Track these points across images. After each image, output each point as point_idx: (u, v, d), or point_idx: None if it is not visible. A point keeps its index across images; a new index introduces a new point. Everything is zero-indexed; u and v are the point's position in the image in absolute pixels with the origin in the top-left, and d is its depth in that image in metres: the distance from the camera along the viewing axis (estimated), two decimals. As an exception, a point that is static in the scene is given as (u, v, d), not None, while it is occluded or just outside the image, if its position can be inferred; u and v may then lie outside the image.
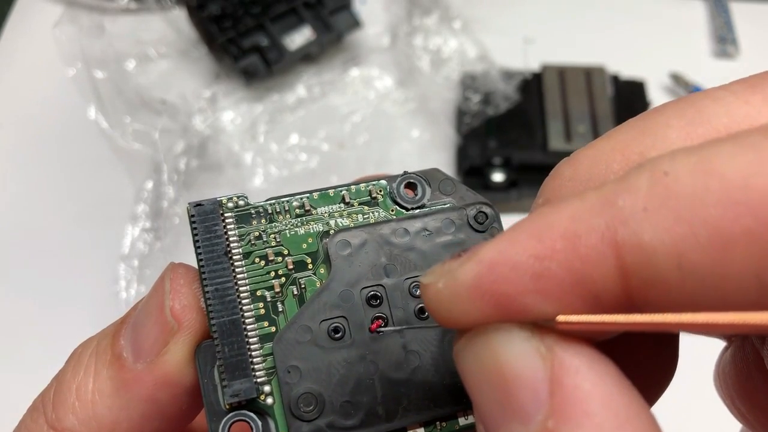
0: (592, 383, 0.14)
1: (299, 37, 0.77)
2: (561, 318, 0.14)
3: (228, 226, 0.21)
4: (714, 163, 0.13)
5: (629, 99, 0.75)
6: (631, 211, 0.14)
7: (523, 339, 0.15)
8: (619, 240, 0.14)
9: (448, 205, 0.23)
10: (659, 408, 0.15)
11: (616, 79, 0.76)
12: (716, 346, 0.24)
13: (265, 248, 0.21)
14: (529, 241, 0.14)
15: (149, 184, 0.69)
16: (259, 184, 0.72)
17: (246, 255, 0.21)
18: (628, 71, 0.77)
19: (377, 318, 0.21)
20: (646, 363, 0.20)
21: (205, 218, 0.21)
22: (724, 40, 0.83)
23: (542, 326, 0.15)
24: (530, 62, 0.79)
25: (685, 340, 0.21)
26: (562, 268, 0.14)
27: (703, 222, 0.13)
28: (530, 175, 0.70)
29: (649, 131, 0.17)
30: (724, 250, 0.13)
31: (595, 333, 0.15)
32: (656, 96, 0.77)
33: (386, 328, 0.21)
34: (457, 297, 0.15)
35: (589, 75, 0.76)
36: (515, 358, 0.15)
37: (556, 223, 0.14)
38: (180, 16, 0.80)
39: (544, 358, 0.14)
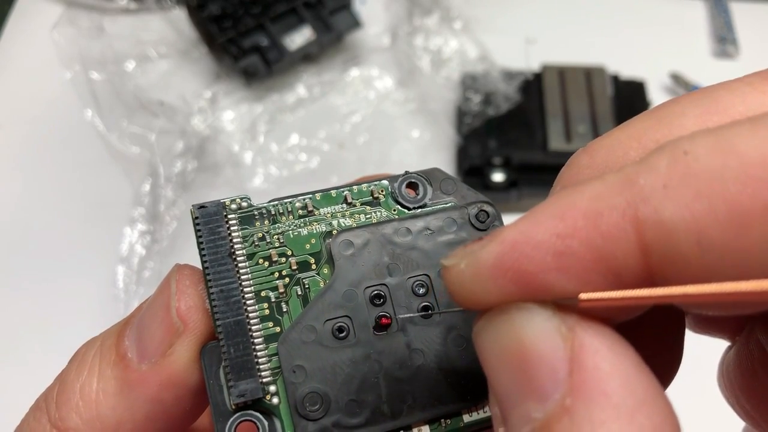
0: (612, 364, 0.14)
1: (299, 37, 0.77)
2: (583, 296, 0.14)
3: (231, 228, 0.21)
4: (732, 141, 0.13)
5: (629, 99, 0.75)
6: (652, 189, 0.14)
7: (544, 318, 0.15)
8: (640, 217, 0.14)
9: (450, 204, 0.23)
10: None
11: (616, 79, 0.77)
12: (719, 346, 0.24)
13: (268, 249, 0.21)
14: (551, 221, 0.15)
15: (146, 187, 0.69)
16: (259, 185, 0.72)
17: (250, 256, 0.21)
18: (628, 71, 0.77)
19: (383, 317, 0.21)
20: (650, 358, 0.20)
21: (209, 220, 0.21)
22: (724, 40, 0.83)
23: (563, 306, 0.15)
24: (531, 62, 0.79)
25: (689, 343, 0.21)
26: (584, 246, 0.14)
27: (722, 198, 0.13)
28: (530, 175, 0.70)
29: (665, 120, 0.17)
30: (743, 226, 0.13)
31: (617, 311, 0.15)
32: (656, 96, 0.77)
33: (402, 316, 0.21)
34: (479, 276, 0.15)
35: (589, 75, 0.76)
36: (536, 337, 0.15)
37: (577, 203, 0.15)
38: (180, 16, 0.80)
39: (565, 337, 0.15)
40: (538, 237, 0.15)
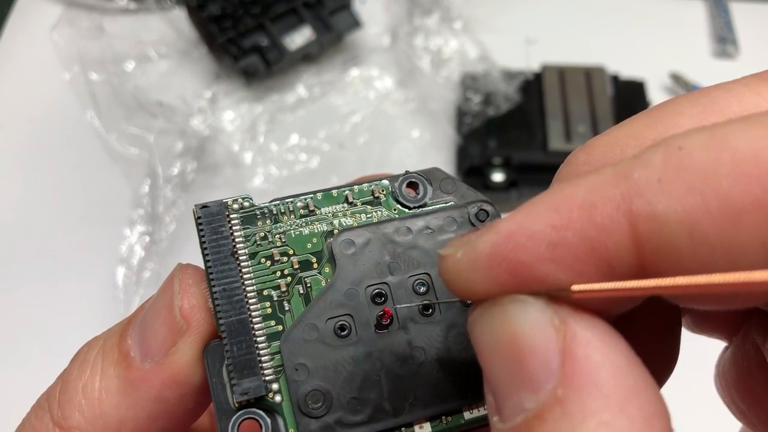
0: (603, 355, 0.14)
1: (299, 37, 0.77)
2: (576, 287, 0.15)
3: (234, 227, 0.21)
4: (726, 138, 0.14)
5: (629, 99, 0.75)
6: (646, 182, 0.14)
7: (537, 309, 0.15)
8: (633, 209, 0.14)
9: (450, 203, 0.23)
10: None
11: (616, 79, 0.77)
12: (716, 347, 0.24)
13: (270, 248, 0.22)
14: (547, 212, 0.15)
15: (145, 188, 0.69)
16: (259, 185, 0.72)
17: (252, 255, 0.21)
18: (628, 71, 0.77)
19: (383, 310, 0.21)
20: (647, 355, 0.20)
21: (212, 220, 0.21)
22: (724, 40, 0.84)
23: (557, 297, 0.15)
24: (531, 62, 0.79)
25: (686, 343, 0.22)
26: (578, 237, 0.14)
27: (714, 193, 0.13)
28: (530, 175, 0.70)
29: (663, 119, 0.17)
30: (734, 220, 0.13)
31: (609, 303, 0.15)
32: (656, 96, 0.77)
33: (401, 305, 0.21)
34: (475, 266, 0.16)
35: (589, 75, 0.76)
36: (529, 328, 0.15)
37: (573, 195, 0.15)
38: (180, 16, 0.80)
39: (557, 329, 0.15)
40: (533, 228, 0.15)
